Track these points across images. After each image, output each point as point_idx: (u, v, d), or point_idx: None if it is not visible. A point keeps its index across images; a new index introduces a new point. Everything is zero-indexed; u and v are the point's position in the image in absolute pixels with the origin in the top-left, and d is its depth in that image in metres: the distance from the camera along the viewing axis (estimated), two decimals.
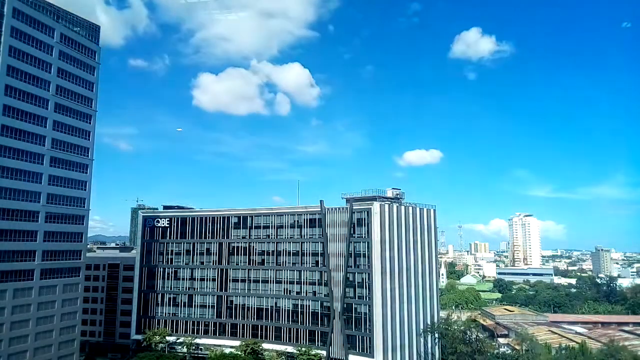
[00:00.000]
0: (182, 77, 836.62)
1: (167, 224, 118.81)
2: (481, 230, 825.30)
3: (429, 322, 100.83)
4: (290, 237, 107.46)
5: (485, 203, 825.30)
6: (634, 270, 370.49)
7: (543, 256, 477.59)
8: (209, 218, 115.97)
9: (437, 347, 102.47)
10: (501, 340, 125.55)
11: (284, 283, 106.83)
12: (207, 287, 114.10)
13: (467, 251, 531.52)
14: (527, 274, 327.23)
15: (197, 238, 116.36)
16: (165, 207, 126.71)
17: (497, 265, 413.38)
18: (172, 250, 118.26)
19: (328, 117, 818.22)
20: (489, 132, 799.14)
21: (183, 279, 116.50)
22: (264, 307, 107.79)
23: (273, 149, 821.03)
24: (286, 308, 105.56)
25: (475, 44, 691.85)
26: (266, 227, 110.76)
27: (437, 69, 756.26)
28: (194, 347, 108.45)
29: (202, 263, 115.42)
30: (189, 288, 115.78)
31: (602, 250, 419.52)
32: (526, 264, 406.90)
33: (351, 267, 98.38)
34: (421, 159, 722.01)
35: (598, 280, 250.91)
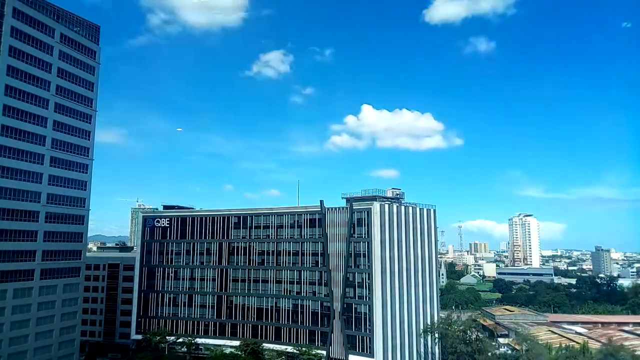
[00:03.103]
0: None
1: (167, 224, 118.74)
2: (470, 229, 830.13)
3: (429, 322, 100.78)
4: (290, 237, 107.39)
5: (476, 202, 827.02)
6: (634, 270, 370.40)
7: (543, 256, 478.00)
8: (209, 218, 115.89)
9: (437, 347, 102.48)
10: (501, 340, 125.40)
11: (284, 283, 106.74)
12: (207, 287, 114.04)
13: (467, 251, 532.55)
14: (527, 274, 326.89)
15: (197, 238, 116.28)
16: (165, 207, 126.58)
17: (497, 265, 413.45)
18: (172, 250, 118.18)
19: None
20: (484, 131, 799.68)
21: (183, 279, 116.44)
22: (264, 307, 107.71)
23: (266, 150, 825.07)
24: (286, 308, 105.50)
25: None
26: (266, 227, 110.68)
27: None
28: (194, 347, 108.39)
29: (202, 263, 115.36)
30: (189, 288, 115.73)
31: (602, 250, 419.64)
32: (526, 264, 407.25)
33: (351, 267, 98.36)
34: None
35: (598, 280, 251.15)
